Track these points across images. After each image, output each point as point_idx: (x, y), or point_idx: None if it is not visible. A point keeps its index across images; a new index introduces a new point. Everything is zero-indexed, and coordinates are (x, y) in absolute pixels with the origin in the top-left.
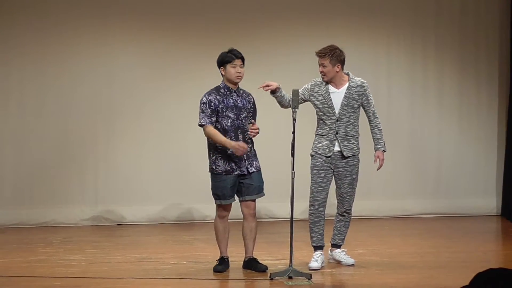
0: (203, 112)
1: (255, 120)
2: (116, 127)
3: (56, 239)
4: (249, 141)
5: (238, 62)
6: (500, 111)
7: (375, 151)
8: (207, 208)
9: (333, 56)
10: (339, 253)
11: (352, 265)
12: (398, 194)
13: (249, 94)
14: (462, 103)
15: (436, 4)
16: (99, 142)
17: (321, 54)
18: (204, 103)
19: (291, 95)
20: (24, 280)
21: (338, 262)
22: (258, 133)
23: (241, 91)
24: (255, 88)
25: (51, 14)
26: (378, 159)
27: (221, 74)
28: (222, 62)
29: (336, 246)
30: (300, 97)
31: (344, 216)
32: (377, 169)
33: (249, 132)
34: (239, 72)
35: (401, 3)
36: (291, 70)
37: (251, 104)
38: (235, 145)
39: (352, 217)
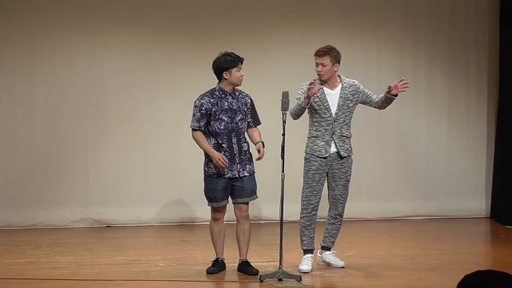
0: (193, 115)
1: (256, 121)
2: (106, 128)
3: (45, 241)
4: (245, 145)
5: (241, 65)
6: (489, 113)
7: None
8: (198, 210)
9: (332, 55)
10: (329, 255)
11: (342, 267)
12: (388, 196)
13: (246, 96)
14: (452, 105)
15: (426, 6)
16: (89, 143)
17: (321, 53)
18: (196, 106)
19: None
20: (13, 282)
21: (328, 265)
22: (262, 156)
23: (237, 93)
24: (247, 91)
25: (41, 15)
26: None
27: (224, 78)
28: (227, 66)
29: (326, 248)
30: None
31: (336, 219)
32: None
33: (258, 158)
34: (243, 75)
35: (391, 5)
36: (283, 72)
37: (248, 106)
38: (217, 156)
39: (343, 220)
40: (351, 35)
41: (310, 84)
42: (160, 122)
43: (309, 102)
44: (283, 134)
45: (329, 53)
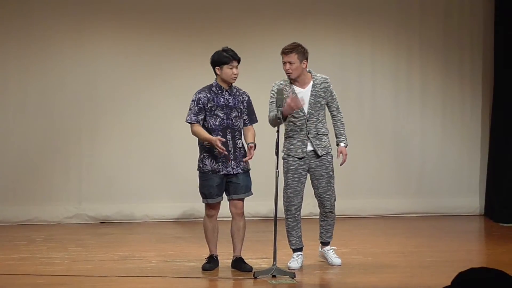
0: (190, 109)
1: (252, 119)
2: (100, 124)
3: (39, 237)
4: (239, 142)
5: (235, 63)
6: (483, 111)
7: (338, 145)
8: (192, 206)
9: (298, 52)
10: (327, 251)
11: (339, 265)
12: (382, 193)
13: (243, 93)
14: (446, 103)
15: (421, 4)
16: (83, 139)
17: (287, 50)
18: (193, 100)
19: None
20: (7, 278)
21: (327, 261)
22: (251, 158)
23: (235, 90)
24: (242, 89)
25: (34, 12)
26: (341, 154)
27: (216, 73)
28: (219, 62)
29: (325, 243)
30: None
31: (327, 215)
32: (341, 164)
33: (243, 161)
34: (235, 74)
35: (386, 2)
36: (278, 70)
37: (245, 104)
38: (214, 139)
39: (336, 216)
40: (345, 33)
41: (291, 100)
42: (154, 119)
43: (287, 117)
44: (278, 131)
45: (295, 50)
